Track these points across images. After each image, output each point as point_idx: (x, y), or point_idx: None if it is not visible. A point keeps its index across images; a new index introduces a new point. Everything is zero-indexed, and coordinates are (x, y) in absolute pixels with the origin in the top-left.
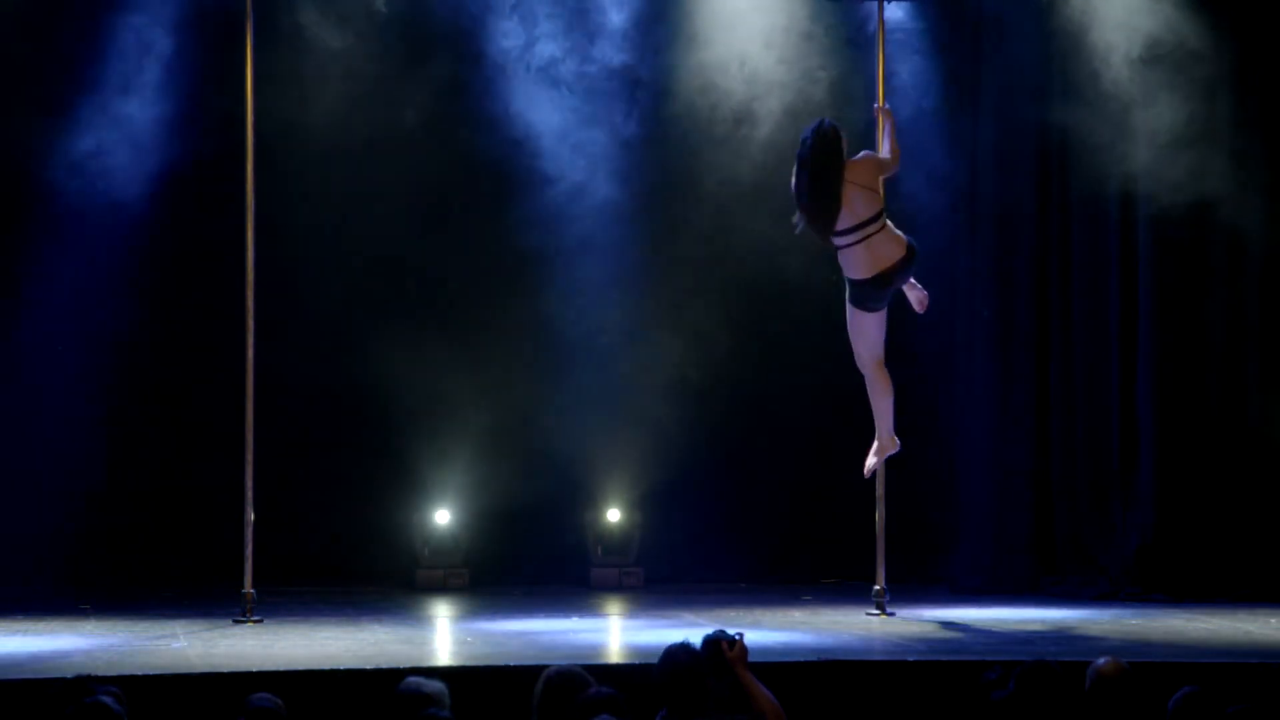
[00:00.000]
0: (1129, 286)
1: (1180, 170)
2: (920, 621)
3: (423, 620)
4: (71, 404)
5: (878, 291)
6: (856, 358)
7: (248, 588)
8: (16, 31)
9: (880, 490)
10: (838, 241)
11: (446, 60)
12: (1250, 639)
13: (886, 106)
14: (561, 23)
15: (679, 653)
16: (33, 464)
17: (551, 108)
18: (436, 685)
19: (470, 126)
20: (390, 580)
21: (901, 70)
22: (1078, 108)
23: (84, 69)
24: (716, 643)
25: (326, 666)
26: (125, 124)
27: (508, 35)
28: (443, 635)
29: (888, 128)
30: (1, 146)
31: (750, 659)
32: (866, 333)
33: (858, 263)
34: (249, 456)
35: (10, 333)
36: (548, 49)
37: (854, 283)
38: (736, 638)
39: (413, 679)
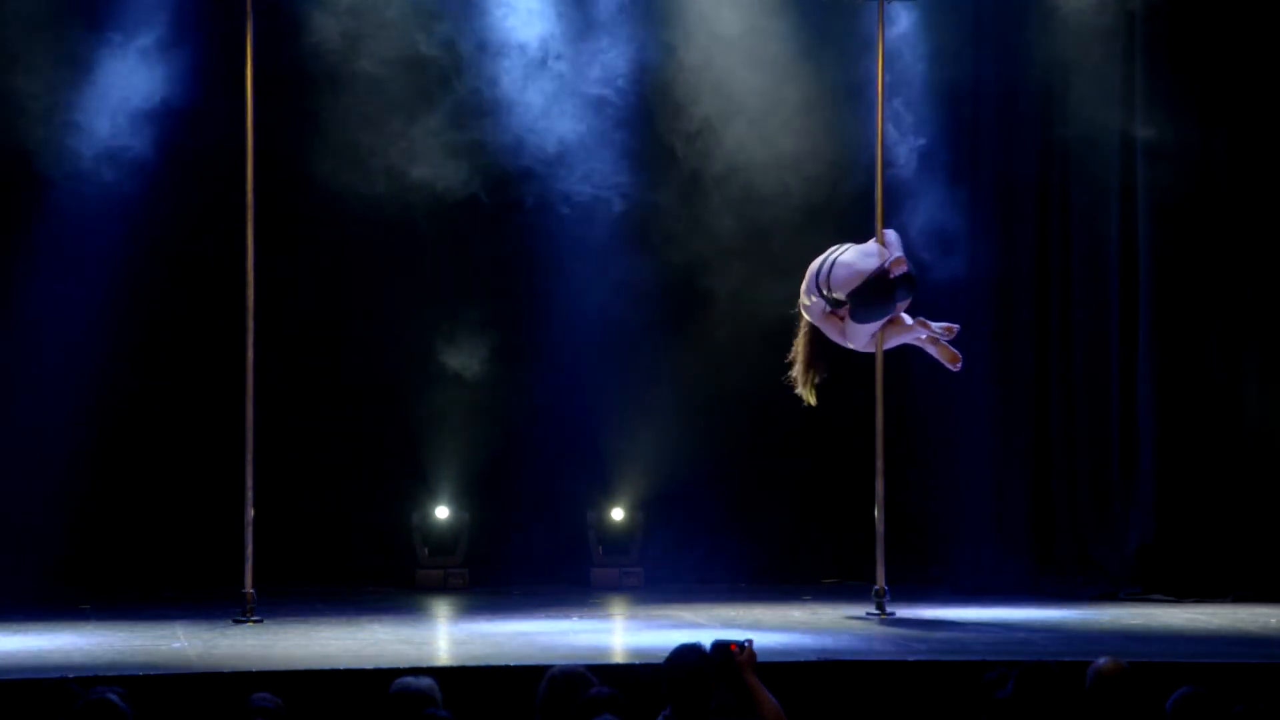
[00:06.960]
0: (1129, 285)
1: (1181, 166)
2: (920, 621)
3: (423, 620)
4: (71, 403)
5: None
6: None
7: (248, 588)
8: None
9: (880, 490)
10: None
11: None
12: (1250, 638)
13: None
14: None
15: (687, 653)
16: (33, 463)
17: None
18: (426, 681)
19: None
20: (390, 580)
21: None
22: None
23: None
24: (726, 646)
25: (326, 666)
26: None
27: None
28: (443, 635)
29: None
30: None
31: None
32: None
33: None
34: (249, 456)
35: (5, 329)
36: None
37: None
38: (746, 643)
39: (402, 679)
